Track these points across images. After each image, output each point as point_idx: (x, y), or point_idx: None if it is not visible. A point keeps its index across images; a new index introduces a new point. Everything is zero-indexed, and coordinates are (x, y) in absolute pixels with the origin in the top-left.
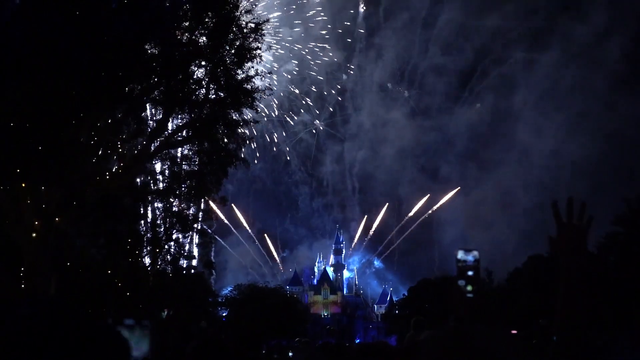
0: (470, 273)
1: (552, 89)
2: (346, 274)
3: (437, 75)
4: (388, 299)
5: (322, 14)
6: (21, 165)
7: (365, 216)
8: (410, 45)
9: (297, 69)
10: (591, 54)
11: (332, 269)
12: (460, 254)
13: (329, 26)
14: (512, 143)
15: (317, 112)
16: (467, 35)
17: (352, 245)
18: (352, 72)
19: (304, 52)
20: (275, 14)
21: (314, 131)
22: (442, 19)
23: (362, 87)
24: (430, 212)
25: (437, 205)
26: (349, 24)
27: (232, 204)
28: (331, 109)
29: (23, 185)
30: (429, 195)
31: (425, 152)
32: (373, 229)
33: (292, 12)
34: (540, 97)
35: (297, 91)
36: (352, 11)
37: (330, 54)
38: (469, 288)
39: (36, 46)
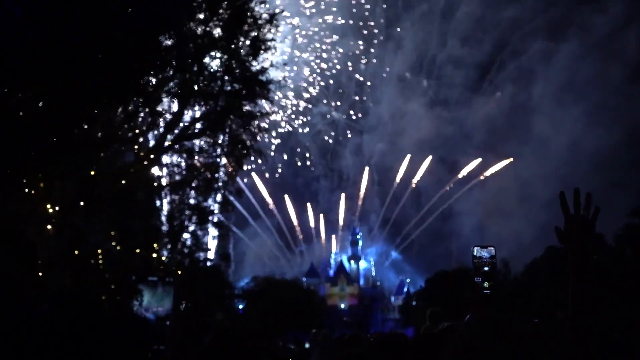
0: (486, 269)
1: (570, 80)
2: (363, 264)
3: (455, 67)
4: (405, 290)
5: (337, 5)
6: (35, 159)
7: (384, 207)
8: (429, 36)
9: (313, 59)
10: (609, 45)
11: (350, 260)
12: (476, 251)
13: (344, 19)
14: (530, 135)
15: (336, 103)
16: (485, 27)
17: (371, 236)
18: (370, 63)
19: (320, 43)
20: (291, 4)
21: (332, 122)
22: (460, 11)
23: (381, 78)
24: (447, 203)
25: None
26: (367, 14)
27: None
28: (350, 100)
29: (37, 179)
30: (480, 158)
31: (443, 144)
32: (392, 220)
33: (309, 2)
34: (559, 89)
35: (314, 80)
36: (367, 6)
37: (351, 43)
38: (486, 285)
39: (50, 40)
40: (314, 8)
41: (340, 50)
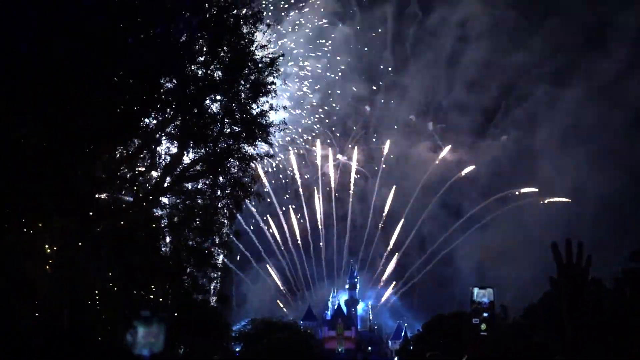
0: (485, 315)
1: (575, 125)
2: (361, 308)
3: (461, 112)
4: (403, 334)
5: (348, 46)
6: (36, 197)
7: (385, 254)
8: (436, 81)
9: (313, 102)
10: (613, 90)
11: (348, 304)
12: (476, 292)
13: (352, 63)
14: (535, 179)
15: (340, 146)
16: (492, 73)
17: (379, 281)
18: (375, 107)
19: (329, 86)
20: (300, 48)
21: (336, 165)
22: (467, 57)
23: (387, 122)
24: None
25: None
26: (372, 57)
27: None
28: (355, 143)
29: (37, 217)
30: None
31: (449, 188)
32: (392, 264)
33: (318, 44)
34: (563, 133)
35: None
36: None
37: (354, 89)
38: (483, 327)
39: (53, 79)
40: (322, 51)
41: (349, 91)
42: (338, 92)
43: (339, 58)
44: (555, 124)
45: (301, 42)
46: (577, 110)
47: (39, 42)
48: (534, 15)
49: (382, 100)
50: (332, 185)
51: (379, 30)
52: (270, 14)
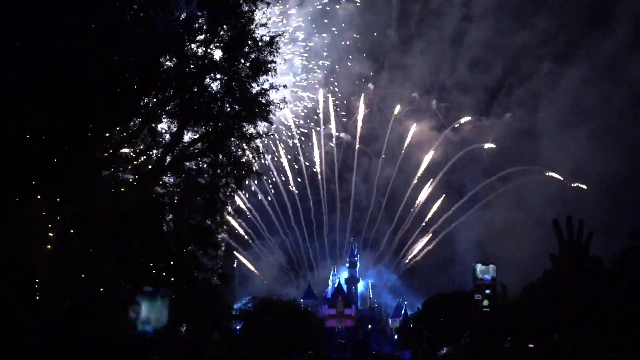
0: (487, 292)
1: (577, 103)
2: (361, 286)
3: (464, 91)
4: (403, 312)
5: (350, 26)
6: (35, 180)
7: (387, 233)
8: (440, 60)
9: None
10: (616, 69)
11: (348, 282)
12: (478, 268)
13: (356, 40)
14: (537, 158)
15: (343, 125)
16: (495, 52)
17: (381, 260)
18: (379, 86)
19: (331, 63)
20: (303, 24)
21: (340, 144)
22: (471, 36)
23: (390, 101)
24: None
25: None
26: (376, 34)
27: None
28: (358, 123)
29: (37, 201)
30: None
31: (452, 167)
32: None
33: (322, 22)
34: (565, 112)
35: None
36: (375, 33)
37: (357, 68)
38: (485, 303)
39: (52, 60)
40: (327, 28)
41: (352, 70)
42: (342, 69)
43: (343, 36)
44: (558, 102)
45: (306, 20)
46: (580, 89)
47: (37, 24)
48: None
49: (384, 80)
50: (335, 163)
51: (384, 8)
52: None
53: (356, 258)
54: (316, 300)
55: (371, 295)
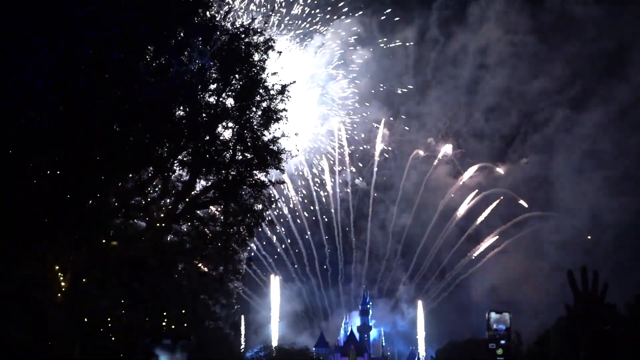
0: (502, 342)
1: (593, 150)
2: (373, 334)
3: (480, 138)
4: None
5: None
6: (48, 226)
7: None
8: (456, 108)
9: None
10: (631, 115)
11: (360, 330)
12: (492, 317)
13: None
14: (553, 205)
15: (359, 173)
16: (511, 99)
17: (396, 307)
18: (395, 132)
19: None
20: (321, 71)
21: (355, 192)
22: (487, 84)
23: (406, 147)
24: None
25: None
26: (392, 82)
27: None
28: (374, 170)
29: (50, 247)
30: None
31: (468, 213)
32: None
33: (337, 68)
34: (581, 159)
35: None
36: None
37: (372, 115)
38: (500, 352)
39: (65, 108)
40: (342, 74)
41: (368, 116)
42: (357, 115)
43: (359, 83)
44: (573, 149)
45: (322, 66)
46: (596, 135)
47: (52, 76)
48: (554, 41)
49: (400, 127)
50: (351, 209)
51: (400, 55)
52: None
53: (369, 305)
54: (328, 348)
55: (384, 343)
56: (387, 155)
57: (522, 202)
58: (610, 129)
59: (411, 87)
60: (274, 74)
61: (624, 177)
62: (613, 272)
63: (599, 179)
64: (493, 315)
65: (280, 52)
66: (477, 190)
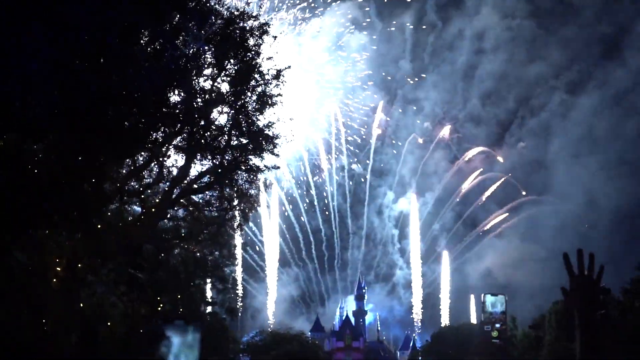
0: (497, 325)
1: (589, 134)
2: (369, 318)
3: (477, 123)
4: (411, 345)
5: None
6: (43, 213)
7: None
8: (453, 93)
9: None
10: (627, 99)
11: (356, 314)
12: (488, 300)
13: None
14: (549, 189)
15: (355, 157)
16: (508, 84)
17: (392, 292)
18: (392, 117)
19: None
20: (318, 55)
21: (352, 176)
22: (483, 69)
23: (403, 132)
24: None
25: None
26: (391, 69)
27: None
28: (371, 155)
29: (45, 233)
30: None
31: (465, 197)
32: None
33: (335, 52)
34: (578, 143)
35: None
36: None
37: (374, 96)
38: (495, 334)
39: (61, 96)
40: (339, 58)
41: (365, 100)
42: (354, 100)
43: (356, 68)
44: (569, 133)
45: (319, 50)
46: (592, 119)
47: (48, 60)
48: (551, 26)
49: (396, 111)
50: (347, 194)
51: (397, 39)
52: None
53: (364, 290)
54: (324, 333)
55: (379, 328)
56: (383, 140)
57: (519, 187)
58: (606, 113)
59: (408, 72)
60: (269, 58)
61: (620, 161)
62: (609, 256)
63: (594, 163)
64: (488, 298)
65: (276, 37)
66: (481, 169)
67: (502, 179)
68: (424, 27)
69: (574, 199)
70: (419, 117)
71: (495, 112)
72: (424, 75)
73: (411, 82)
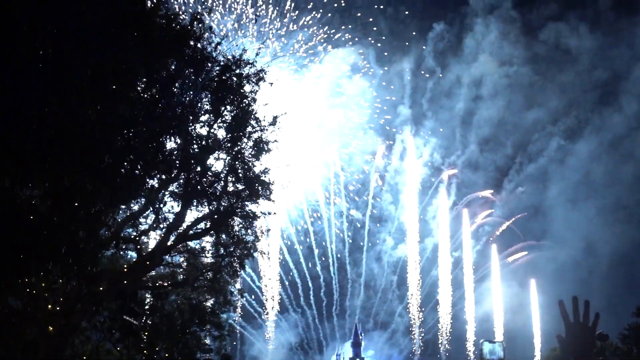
0: None
1: (586, 179)
2: None
3: (475, 169)
4: None
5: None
6: (39, 258)
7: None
8: (451, 138)
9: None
10: (624, 145)
11: None
12: (486, 347)
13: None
14: (548, 234)
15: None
16: (506, 131)
17: (392, 339)
18: (391, 162)
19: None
20: (318, 101)
21: (350, 223)
22: (481, 116)
23: (402, 179)
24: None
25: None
26: (389, 117)
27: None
28: (370, 200)
29: (40, 278)
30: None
31: (461, 244)
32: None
33: (334, 99)
34: (575, 188)
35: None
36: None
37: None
38: None
39: (57, 142)
40: (338, 104)
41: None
42: (353, 145)
43: (354, 114)
44: (567, 179)
45: (319, 97)
46: (589, 164)
47: (43, 104)
48: (548, 72)
49: (395, 158)
50: (347, 240)
51: (396, 85)
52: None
53: (361, 337)
54: None
55: None
56: (382, 185)
57: (518, 233)
58: (603, 159)
59: (407, 117)
60: (265, 104)
61: (617, 206)
62: (607, 300)
63: (592, 208)
64: (486, 345)
65: (272, 83)
66: (491, 211)
67: (504, 224)
68: (422, 73)
69: (572, 244)
70: (418, 163)
71: (494, 158)
72: (422, 121)
73: (410, 128)
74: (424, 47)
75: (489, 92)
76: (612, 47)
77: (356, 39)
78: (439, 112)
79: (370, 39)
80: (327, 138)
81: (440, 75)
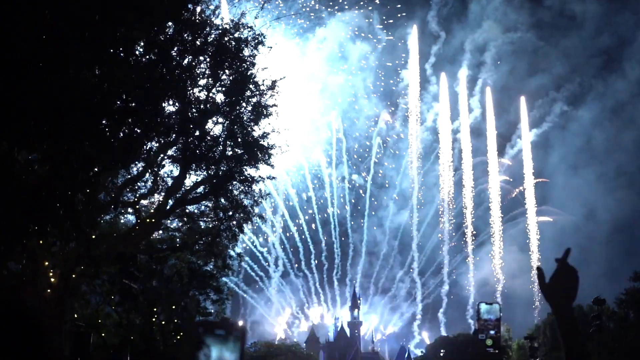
0: (492, 332)
1: (588, 146)
2: (364, 329)
3: (478, 135)
4: (406, 356)
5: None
6: (38, 223)
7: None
8: (453, 104)
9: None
10: (626, 111)
11: (351, 325)
12: (483, 308)
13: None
14: (548, 200)
15: (357, 167)
16: (509, 96)
17: (391, 303)
18: (393, 127)
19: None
20: (321, 66)
21: (352, 187)
22: (484, 82)
23: (404, 144)
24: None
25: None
26: (392, 82)
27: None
28: (372, 165)
29: (39, 242)
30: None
31: (461, 212)
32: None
33: (337, 63)
34: (576, 154)
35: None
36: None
37: (375, 110)
38: (489, 342)
39: (55, 105)
40: (341, 70)
41: (366, 111)
42: (355, 110)
43: (357, 78)
44: (569, 145)
45: (323, 60)
46: (591, 131)
47: (42, 69)
48: (552, 38)
49: (398, 123)
50: (348, 205)
51: (400, 50)
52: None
53: (359, 301)
54: (319, 344)
55: (375, 339)
56: (384, 152)
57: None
58: (605, 125)
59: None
60: (264, 69)
61: (618, 172)
62: (607, 266)
63: (593, 174)
64: (483, 306)
65: (271, 47)
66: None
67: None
68: (426, 38)
69: (572, 210)
70: (420, 128)
71: (496, 124)
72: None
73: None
74: (429, 12)
75: (493, 58)
76: (617, 13)
77: (361, 2)
78: (443, 78)
79: (376, 0)
80: (329, 102)
81: (444, 41)
